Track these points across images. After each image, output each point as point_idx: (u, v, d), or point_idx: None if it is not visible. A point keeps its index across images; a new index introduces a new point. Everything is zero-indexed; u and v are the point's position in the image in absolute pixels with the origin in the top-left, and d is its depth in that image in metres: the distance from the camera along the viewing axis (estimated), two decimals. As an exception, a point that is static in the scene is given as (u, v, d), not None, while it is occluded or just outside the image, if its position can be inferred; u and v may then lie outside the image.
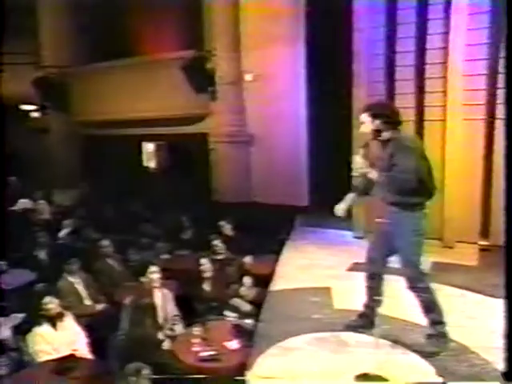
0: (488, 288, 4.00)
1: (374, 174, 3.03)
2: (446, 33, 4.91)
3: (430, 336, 3.12)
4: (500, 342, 3.09)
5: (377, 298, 3.22)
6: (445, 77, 4.97)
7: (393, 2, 5.17)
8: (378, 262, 3.21)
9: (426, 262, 4.66)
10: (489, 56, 4.78)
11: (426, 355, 3.02)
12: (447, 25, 4.89)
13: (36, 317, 3.71)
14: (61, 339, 3.63)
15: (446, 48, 4.94)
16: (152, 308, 4.07)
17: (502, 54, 4.64)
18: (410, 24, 5.13)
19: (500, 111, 4.80)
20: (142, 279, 4.27)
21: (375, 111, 3.06)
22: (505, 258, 2.35)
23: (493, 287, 4.00)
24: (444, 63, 4.97)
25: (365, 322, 3.31)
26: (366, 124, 3.08)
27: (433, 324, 3.11)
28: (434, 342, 3.08)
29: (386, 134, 3.04)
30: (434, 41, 5.01)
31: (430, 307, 3.07)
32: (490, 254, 4.78)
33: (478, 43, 4.78)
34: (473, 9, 4.74)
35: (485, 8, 4.70)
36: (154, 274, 4.22)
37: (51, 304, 3.68)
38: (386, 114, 3.05)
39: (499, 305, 3.69)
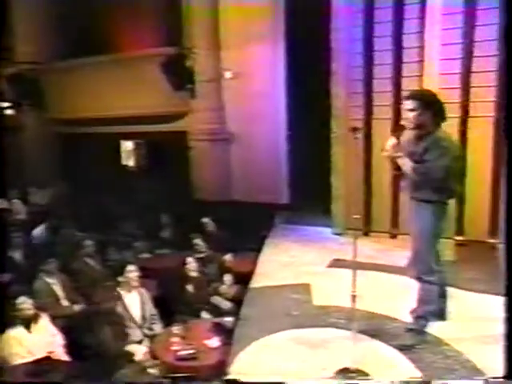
0: (464, 282, 4.09)
1: (403, 161, 2.95)
2: (422, 32, 4.99)
3: (409, 330, 3.17)
4: (472, 335, 3.20)
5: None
6: (421, 75, 5.06)
7: (370, 1, 5.24)
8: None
9: (403, 256, 4.79)
10: (463, 55, 4.88)
11: (404, 348, 3.06)
12: (423, 24, 4.97)
13: (10, 319, 3.62)
14: (36, 342, 3.55)
15: (422, 47, 5.03)
16: (114, 314, 3.95)
17: (477, 53, 4.77)
18: (387, 23, 5.20)
19: (474, 109, 4.92)
20: (120, 279, 4.20)
21: (428, 100, 2.90)
22: (505, 257, 2.36)
23: (469, 281, 4.10)
24: (420, 62, 5.06)
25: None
26: (414, 112, 2.90)
27: (418, 318, 3.15)
28: (414, 336, 3.12)
29: (428, 127, 2.91)
30: (410, 40, 5.10)
31: (428, 301, 3.11)
32: (466, 249, 4.89)
33: (452, 42, 4.87)
34: (447, 9, 4.83)
35: (458, 8, 4.80)
36: (132, 273, 4.17)
37: (25, 305, 3.60)
38: (437, 107, 2.91)
39: (474, 298, 3.81)
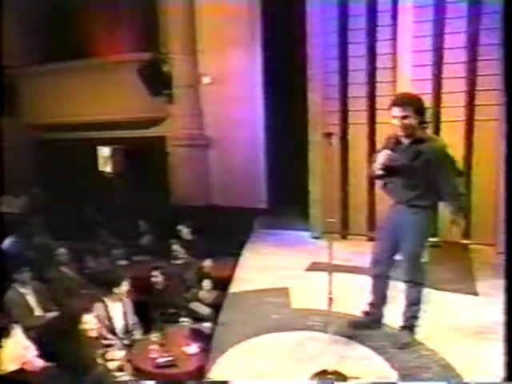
0: (438, 283, 4.18)
1: (394, 179, 2.97)
2: (394, 39, 5.12)
3: (403, 328, 3.23)
4: (446, 333, 3.28)
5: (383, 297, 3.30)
6: (394, 81, 5.18)
7: (344, 8, 5.34)
8: (383, 262, 3.23)
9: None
10: (433, 61, 5.02)
11: (400, 346, 3.13)
12: (395, 32, 5.10)
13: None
14: (6, 356, 3.41)
15: (394, 53, 5.15)
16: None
17: (448, 58, 4.92)
18: (361, 30, 5.31)
19: (445, 114, 5.07)
20: (115, 290, 4.10)
21: (420, 106, 2.84)
22: (505, 257, 2.39)
23: (443, 282, 4.20)
24: (393, 68, 5.19)
25: (371, 320, 3.36)
26: (408, 119, 2.83)
27: (409, 318, 3.21)
28: (408, 333, 3.19)
29: (418, 133, 2.88)
30: (383, 46, 5.22)
31: (415, 302, 3.18)
32: (438, 250, 5.00)
33: (423, 50, 5.01)
34: (417, 16, 4.97)
35: (429, 16, 4.95)
36: (124, 287, 4.11)
37: None
38: (425, 114, 2.88)
39: (448, 298, 3.91)
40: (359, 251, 5.11)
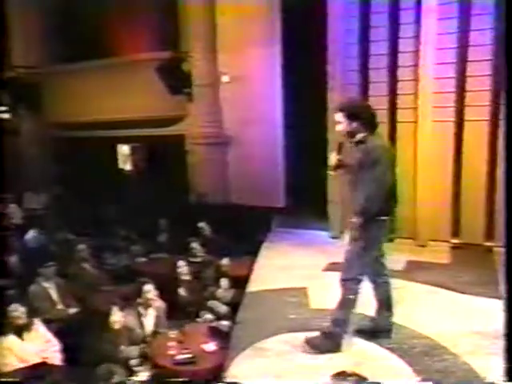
0: (460, 285, 4.11)
1: (347, 177, 3.01)
2: (418, 37, 5.03)
3: (373, 319, 3.23)
4: (470, 337, 3.20)
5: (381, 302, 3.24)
6: (416, 79, 5.09)
7: (366, 5, 5.27)
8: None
9: (400, 260, 4.80)
10: (458, 60, 4.92)
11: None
12: (418, 29, 5.01)
13: (2, 327, 3.58)
14: (29, 349, 3.51)
15: (417, 51, 5.06)
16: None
17: (472, 56, 4.80)
18: (382, 27, 5.23)
19: (468, 113, 4.95)
20: (139, 300, 4.12)
21: (352, 112, 2.93)
22: (505, 257, 2.37)
23: (464, 284, 4.12)
24: (415, 66, 5.10)
25: (379, 326, 3.26)
26: (341, 125, 2.96)
27: (384, 317, 3.20)
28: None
29: (359, 136, 2.95)
30: (406, 44, 5.13)
31: (387, 301, 3.17)
32: (462, 252, 4.91)
33: (447, 47, 4.91)
34: (442, 13, 4.88)
35: (454, 13, 4.84)
36: (149, 293, 4.10)
37: (17, 313, 3.55)
38: (363, 116, 2.92)
39: (470, 302, 3.83)
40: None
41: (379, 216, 2.90)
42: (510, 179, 2.43)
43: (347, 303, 3.01)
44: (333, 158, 3.04)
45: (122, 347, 3.68)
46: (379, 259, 3.13)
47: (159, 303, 4.20)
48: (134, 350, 3.75)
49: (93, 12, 8.32)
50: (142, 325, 4.02)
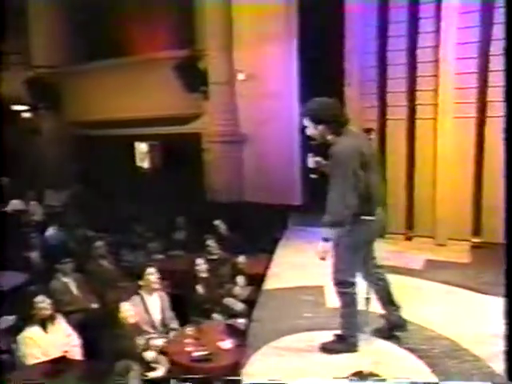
0: (480, 285, 4.02)
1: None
2: (438, 31, 4.93)
3: (383, 316, 3.16)
4: (491, 339, 3.13)
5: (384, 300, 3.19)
6: (436, 75, 5.00)
7: (384, 0, 5.19)
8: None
9: (418, 259, 4.73)
10: (479, 54, 4.80)
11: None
12: (438, 23, 4.91)
13: (27, 318, 3.67)
14: (51, 342, 3.58)
15: (437, 46, 4.96)
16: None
17: (494, 51, 4.67)
18: (401, 22, 5.14)
19: (490, 109, 4.83)
20: (140, 282, 4.20)
21: (315, 115, 2.81)
22: (505, 257, 2.34)
23: (485, 284, 4.03)
24: (435, 62, 5.00)
25: (390, 324, 3.20)
26: (308, 129, 2.87)
27: (391, 312, 3.14)
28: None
29: (330, 138, 2.81)
30: (425, 39, 5.04)
31: (388, 297, 3.12)
32: (482, 251, 4.81)
33: (468, 42, 4.80)
34: (463, 7, 4.76)
35: (475, 7, 4.73)
36: (152, 275, 4.17)
37: (43, 304, 3.63)
38: (327, 119, 2.79)
39: (491, 302, 3.74)
40: (396, 250, 5.00)
41: (359, 216, 2.81)
42: (510, 179, 2.38)
43: (346, 305, 2.98)
44: (310, 161, 2.95)
45: (137, 340, 3.71)
46: (368, 259, 3.06)
47: (163, 293, 4.24)
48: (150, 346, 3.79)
49: (110, 12, 8.42)
50: (147, 310, 4.06)
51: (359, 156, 2.77)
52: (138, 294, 4.16)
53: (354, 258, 2.92)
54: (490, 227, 4.96)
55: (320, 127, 2.81)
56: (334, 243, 2.88)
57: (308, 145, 2.99)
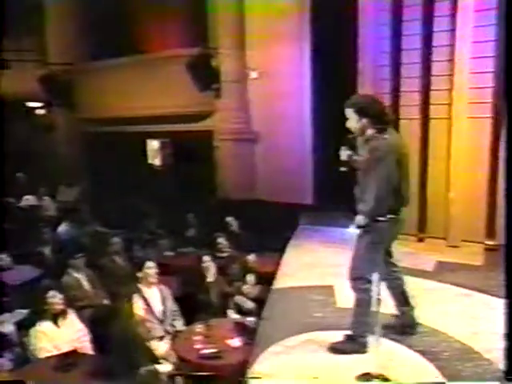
0: (493, 288, 3.96)
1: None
2: (453, 30, 4.86)
3: (396, 316, 3.17)
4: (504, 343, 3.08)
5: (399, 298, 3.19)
6: (451, 74, 4.93)
7: (398, -1, 5.14)
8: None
9: (430, 261, 4.67)
10: (496, 53, 4.72)
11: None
12: (453, 22, 4.84)
13: (39, 313, 3.72)
14: (62, 337, 3.62)
15: (452, 45, 4.89)
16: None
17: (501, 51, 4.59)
18: (415, 21, 5.08)
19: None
20: (139, 274, 4.24)
21: (361, 108, 2.86)
22: (505, 257, 2.29)
23: (498, 287, 3.96)
24: (450, 61, 4.93)
25: (402, 323, 3.22)
26: (350, 121, 2.90)
27: (405, 312, 3.16)
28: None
29: (368, 133, 2.86)
30: (440, 38, 4.97)
31: (402, 296, 3.13)
32: (496, 254, 4.72)
33: (484, 40, 4.72)
34: (479, 5, 4.69)
35: (492, 5, 4.64)
36: (150, 269, 4.19)
37: (55, 299, 3.68)
38: (372, 113, 2.84)
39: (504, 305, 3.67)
40: (409, 251, 4.94)
41: (385, 215, 2.84)
42: (510, 179, 2.34)
43: (361, 303, 2.98)
44: (343, 154, 2.98)
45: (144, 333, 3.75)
46: (387, 258, 3.07)
47: (162, 286, 4.25)
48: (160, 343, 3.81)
49: (123, 10, 8.48)
50: (146, 302, 4.08)
51: (397, 154, 2.86)
52: (136, 286, 4.19)
53: (374, 255, 2.92)
54: (503, 229, 4.88)
55: (364, 120, 2.85)
56: (357, 238, 2.90)
57: (337, 139, 3.02)
